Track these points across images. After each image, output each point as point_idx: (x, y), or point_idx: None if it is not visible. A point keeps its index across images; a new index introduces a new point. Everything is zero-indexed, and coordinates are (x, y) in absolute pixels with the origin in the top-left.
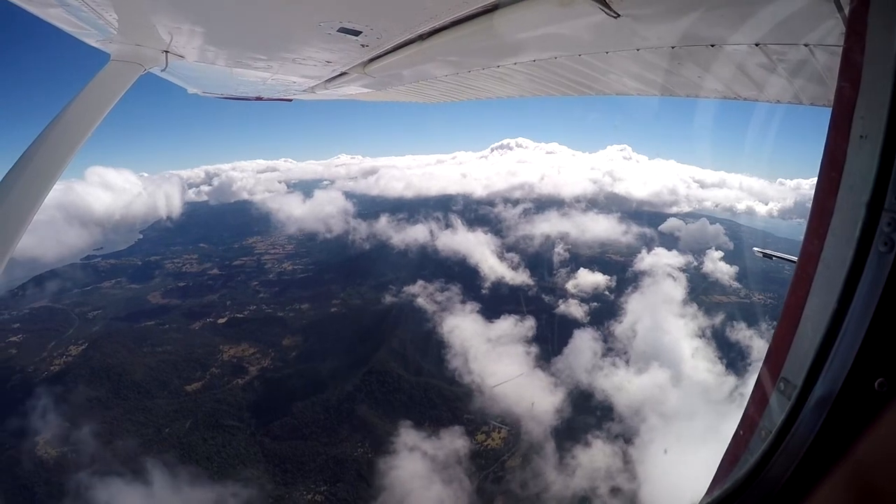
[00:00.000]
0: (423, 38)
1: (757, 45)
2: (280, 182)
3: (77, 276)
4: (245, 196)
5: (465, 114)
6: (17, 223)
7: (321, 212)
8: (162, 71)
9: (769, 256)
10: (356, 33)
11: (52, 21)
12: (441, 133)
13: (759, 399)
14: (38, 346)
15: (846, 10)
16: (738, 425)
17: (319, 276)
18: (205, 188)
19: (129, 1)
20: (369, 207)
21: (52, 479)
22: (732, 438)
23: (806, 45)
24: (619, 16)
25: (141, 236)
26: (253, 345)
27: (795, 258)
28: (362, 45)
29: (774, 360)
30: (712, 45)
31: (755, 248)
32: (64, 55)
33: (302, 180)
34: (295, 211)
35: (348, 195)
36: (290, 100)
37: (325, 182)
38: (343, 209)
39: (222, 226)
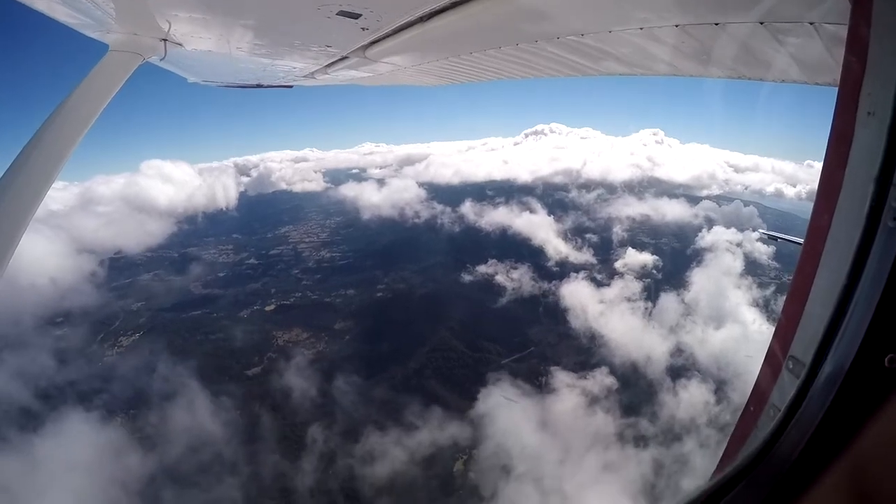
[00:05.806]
0: (423, 20)
1: (761, 23)
2: (316, 172)
3: (113, 269)
4: (283, 186)
5: (485, 98)
6: (19, 219)
7: (398, 199)
8: (161, 60)
9: (774, 238)
10: (356, 16)
11: (51, 14)
12: (463, 119)
13: (768, 377)
14: (88, 337)
15: None
16: (747, 402)
17: (360, 262)
18: (243, 179)
19: None
20: (432, 193)
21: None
22: (741, 416)
23: (811, 24)
24: None
25: (175, 229)
26: (305, 330)
27: (800, 240)
28: (362, 29)
29: (783, 338)
30: (716, 24)
31: (760, 231)
32: (63, 48)
33: (335, 169)
34: (373, 198)
35: (420, 184)
36: (291, 86)
37: (355, 170)
38: (417, 196)
39: (253, 216)
